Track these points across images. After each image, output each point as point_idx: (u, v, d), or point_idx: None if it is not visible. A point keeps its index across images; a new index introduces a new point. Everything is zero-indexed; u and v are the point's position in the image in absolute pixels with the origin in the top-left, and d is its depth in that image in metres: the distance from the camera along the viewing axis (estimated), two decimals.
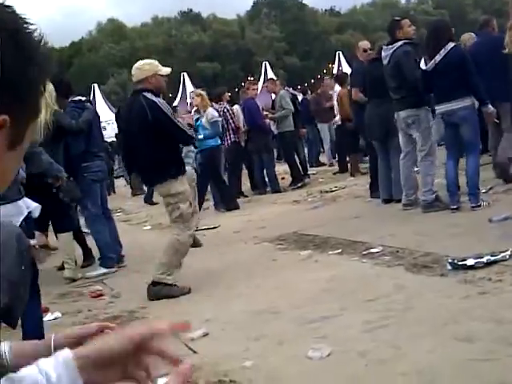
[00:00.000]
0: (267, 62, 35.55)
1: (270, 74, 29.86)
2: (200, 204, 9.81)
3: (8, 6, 0.85)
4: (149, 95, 5.69)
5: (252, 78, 25.16)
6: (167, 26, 78.74)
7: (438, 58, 6.78)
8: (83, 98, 7.69)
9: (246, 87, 13.07)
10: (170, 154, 5.77)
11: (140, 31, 77.39)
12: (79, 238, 7.85)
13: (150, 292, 5.65)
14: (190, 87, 30.21)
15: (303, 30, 74.05)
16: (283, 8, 78.98)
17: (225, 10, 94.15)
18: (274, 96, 13.22)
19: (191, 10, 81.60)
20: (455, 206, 6.87)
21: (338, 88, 13.31)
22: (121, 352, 0.95)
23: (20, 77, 0.83)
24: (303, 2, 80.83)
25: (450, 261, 4.77)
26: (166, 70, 5.98)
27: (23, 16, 0.86)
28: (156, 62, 6.01)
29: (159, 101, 5.72)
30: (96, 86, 35.87)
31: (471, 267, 4.60)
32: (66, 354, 0.93)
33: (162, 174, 5.71)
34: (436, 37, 6.93)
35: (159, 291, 5.59)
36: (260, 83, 29.32)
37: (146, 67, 5.86)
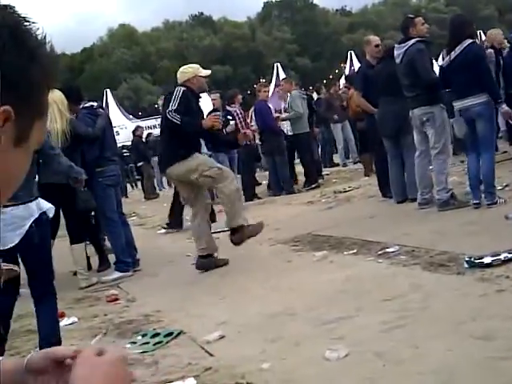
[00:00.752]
0: (279, 64, 35.49)
1: (282, 76, 29.78)
2: None
3: (9, 6, 0.85)
4: (180, 88, 6.51)
5: (264, 80, 25.14)
6: (178, 30, 78.93)
7: (453, 54, 6.74)
8: (95, 104, 7.72)
9: (258, 89, 13.05)
10: (178, 139, 6.40)
11: (151, 36, 77.65)
12: (96, 243, 7.87)
13: (232, 239, 6.56)
14: None
15: (314, 31, 74.02)
16: (294, 9, 78.99)
17: (235, 13, 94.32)
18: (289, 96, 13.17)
19: (202, 14, 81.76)
20: (477, 201, 6.81)
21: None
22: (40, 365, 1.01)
23: (21, 74, 0.83)
24: (314, 2, 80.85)
25: (466, 259, 4.72)
26: (206, 72, 6.91)
27: (24, 15, 0.86)
28: (197, 66, 6.96)
29: (178, 92, 6.44)
30: (109, 91, 35.99)
31: (488, 265, 4.55)
32: None
33: (173, 156, 6.47)
34: (453, 33, 6.90)
35: (240, 235, 6.49)
36: (272, 85, 29.26)
37: (188, 70, 6.82)
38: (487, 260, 4.60)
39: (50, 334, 4.34)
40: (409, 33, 7.44)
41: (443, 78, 6.95)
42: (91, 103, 7.63)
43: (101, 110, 7.94)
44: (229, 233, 6.70)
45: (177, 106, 6.32)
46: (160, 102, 10.36)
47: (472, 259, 4.67)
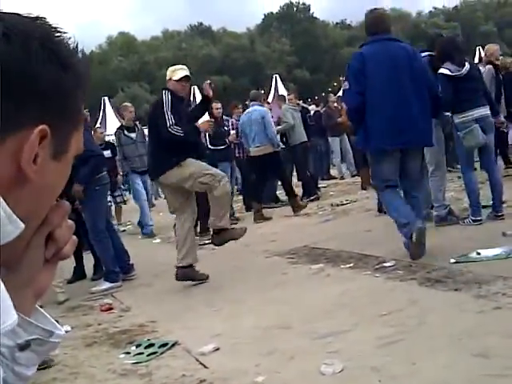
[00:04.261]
0: (278, 75, 35.54)
1: (281, 87, 29.86)
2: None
3: (38, 17, 0.84)
4: (166, 93, 6.44)
5: (262, 92, 25.14)
6: (177, 40, 79.11)
7: (467, 65, 6.77)
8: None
9: None
10: (170, 147, 6.29)
11: (150, 44, 77.76)
12: (93, 250, 7.82)
13: (213, 240, 6.68)
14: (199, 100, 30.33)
15: (313, 44, 74.20)
16: (293, 21, 79.24)
17: (235, 24, 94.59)
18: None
19: (201, 24, 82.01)
20: (480, 218, 6.81)
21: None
22: None
23: (55, 85, 0.82)
24: (314, 15, 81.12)
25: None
26: (179, 75, 6.58)
27: (55, 25, 0.84)
28: (173, 68, 6.74)
29: (166, 98, 6.36)
30: (106, 99, 35.97)
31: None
32: None
33: (165, 164, 6.38)
34: (461, 48, 6.99)
35: (222, 237, 6.51)
36: (270, 96, 29.29)
37: (167, 72, 6.72)
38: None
39: None
40: (434, 48, 7.32)
41: (455, 89, 6.74)
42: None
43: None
44: (211, 233, 6.78)
45: (173, 117, 6.23)
46: None
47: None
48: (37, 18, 0.84)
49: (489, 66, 9.46)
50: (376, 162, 6.10)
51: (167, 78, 6.67)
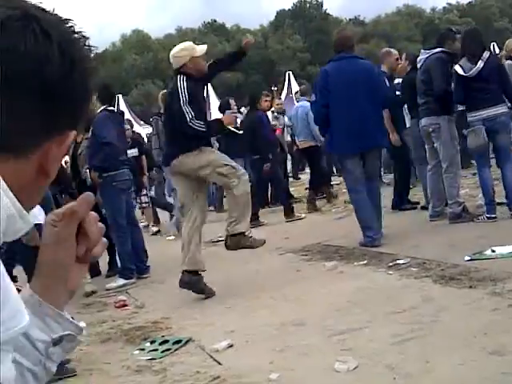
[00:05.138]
0: (291, 72, 35.48)
1: (294, 84, 29.77)
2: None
3: (67, 20, 0.85)
4: (181, 80, 5.81)
5: (275, 88, 25.08)
6: (191, 37, 79.05)
7: (480, 63, 6.71)
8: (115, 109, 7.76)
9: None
10: (186, 134, 5.79)
11: (164, 42, 77.86)
12: (109, 247, 7.85)
13: (227, 243, 6.01)
14: (213, 97, 30.25)
15: (327, 40, 73.92)
16: (306, 18, 79.05)
17: (248, 21, 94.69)
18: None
19: (215, 21, 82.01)
20: (494, 215, 6.80)
21: None
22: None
23: (85, 90, 0.85)
24: (327, 11, 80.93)
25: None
26: (201, 49, 6.02)
27: (78, 28, 0.86)
28: (190, 45, 6.09)
29: (182, 91, 5.76)
30: (120, 96, 36.08)
31: None
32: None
33: (182, 148, 5.83)
34: (476, 43, 6.89)
35: (238, 241, 5.91)
36: (284, 93, 29.25)
37: (181, 53, 5.95)
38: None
39: None
40: (443, 44, 7.36)
41: (465, 88, 6.84)
42: (112, 108, 7.61)
43: (120, 115, 8.03)
44: (226, 235, 6.09)
45: (192, 109, 5.70)
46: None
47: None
48: (66, 20, 0.85)
49: (509, 62, 9.37)
50: (342, 165, 7.32)
51: (184, 59, 5.88)
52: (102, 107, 7.31)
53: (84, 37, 0.85)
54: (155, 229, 11.56)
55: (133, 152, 10.36)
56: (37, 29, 0.78)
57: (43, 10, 0.82)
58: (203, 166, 5.80)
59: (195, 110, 5.74)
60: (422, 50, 7.67)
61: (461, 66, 6.77)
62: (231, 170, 5.83)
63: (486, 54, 6.77)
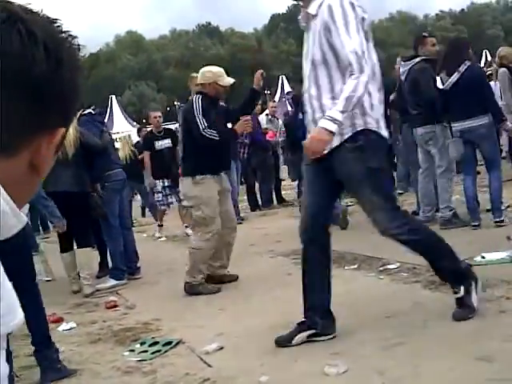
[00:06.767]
0: (284, 76, 35.58)
1: (287, 88, 29.87)
2: None
3: (55, 20, 0.86)
4: (197, 98, 6.06)
5: (269, 92, 25.18)
6: (185, 39, 79.20)
7: (455, 76, 6.75)
8: (93, 112, 7.57)
9: None
10: (193, 151, 6.10)
11: (158, 43, 77.90)
12: (100, 248, 7.82)
13: (185, 287, 6.10)
14: None
15: None
16: None
17: (243, 24, 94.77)
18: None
19: (209, 24, 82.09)
20: (477, 223, 6.83)
21: None
22: None
23: (73, 88, 0.86)
24: None
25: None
26: (227, 82, 6.27)
27: (65, 28, 0.87)
28: (220, 71, 6.27)
29: (197, 104, 6.00)
30: (114, 97, 36.06)
31: None
32: None
33: (183, 169, 6.38)
34: (453, 55, 6.91)
35: (191, 288, 6.04)
36: (277, 97, 29.33)
37: (207, 74, 6.20)
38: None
39: (39, 333, 4.28)
40: (417, 50, 7.46)
41: (444, 101, 6.92)
42: (89, 110, 7.50)
43: (99, 116, 7.91)
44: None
45: (206, 121, 5.90)
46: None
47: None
48: (54, 20, 0.86)
49: (503, 70, 9.41)
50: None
51: (207, 80, 6.14)
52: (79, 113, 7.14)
53: (71, 36, 0.86)
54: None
55: (166, 143, 10.13)
56: (22, 30, 0.79)
57: (30, 11, 0.83)
58: (189, 197, 6.15)
59: (208, 121, 5.93)
60: (402, 62, 7.66)
61: (441, 78, 6.88)
62: (203, 221, 6.02)
63: (463, 67, 6.75)
